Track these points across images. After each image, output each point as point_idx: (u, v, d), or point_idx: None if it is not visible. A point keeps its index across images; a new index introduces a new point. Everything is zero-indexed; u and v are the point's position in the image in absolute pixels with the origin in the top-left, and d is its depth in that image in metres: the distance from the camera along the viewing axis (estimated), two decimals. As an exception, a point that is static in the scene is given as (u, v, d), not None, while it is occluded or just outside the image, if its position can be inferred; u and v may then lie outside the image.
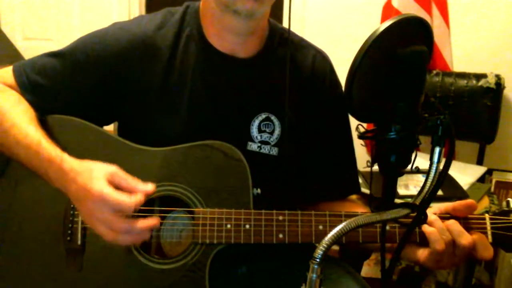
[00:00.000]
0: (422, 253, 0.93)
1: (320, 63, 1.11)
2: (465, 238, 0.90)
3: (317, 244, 0.59)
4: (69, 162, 0.89)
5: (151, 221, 0.87)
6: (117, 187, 0.86)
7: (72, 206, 0.97)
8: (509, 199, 0.96)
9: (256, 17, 0.98)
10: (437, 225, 0.91)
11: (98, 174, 0.86)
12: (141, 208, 0.95)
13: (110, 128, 1.12)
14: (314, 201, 1.14)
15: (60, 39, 2.95)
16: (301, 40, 1.13)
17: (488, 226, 0.93)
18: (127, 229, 0.85)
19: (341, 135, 1.13)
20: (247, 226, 0.94)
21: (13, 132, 0.94)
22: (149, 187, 0.87)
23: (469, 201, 0.95)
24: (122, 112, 1.05)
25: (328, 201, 1.13)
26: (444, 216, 0.93)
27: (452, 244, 0.90)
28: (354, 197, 1.19)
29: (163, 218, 0.99)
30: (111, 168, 0.87)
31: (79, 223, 0.96)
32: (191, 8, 1.07)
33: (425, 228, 0.91)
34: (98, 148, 1.00)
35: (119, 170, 0.87)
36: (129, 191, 0.86)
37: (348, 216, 0.95)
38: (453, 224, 0.91)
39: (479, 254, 0.91)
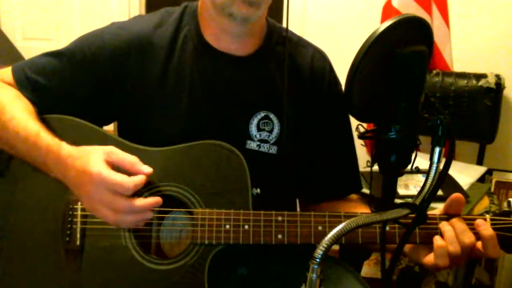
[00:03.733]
0: (427, 260, 0.93)
1: (319, 61, 1.11)
2: (468, 237, 0.89)
3: (317, 245, 0.59)
4: (66, 149, 0.90)
5: (152, 199, 0.87)
6: (116, 167, 0.86)
7: (71, 206, 0.97)
8: (510, 199, 0.96)
9: (251, 21, 0.98)
10: (448, 235, 0.90)
11: (95, 156, 0.86)
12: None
13: (110, 128, 1.12)
14: (315, 200, 1.14)
15: (60, 39, 2.95)
16: (300, 39, 1.13)
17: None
18: (128, 208, 0.84)
19: (342, 133, 1.13)
20: (246, 227, 0.94)
21: (12, 125, 0.94)
22: (147, 169, 0.87)
23: (453, 195, 0.94)
24: (121, 111, 1.05)
25: (330, 200, 1.13)
26: (443, 217, 0.93)
27: (458, 257, 0.89)
28: (355, 197, 1.19)
29: (162, 218, 0.99)
30: (108, 148, 0.87)
31: (78, 223, 0.96)
32: (189, 8, 1.08)
33: (435, 240, 0.90)
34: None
35: (116, 149, 0.87)
36: (127, 170, 0.86)
37: (348, 216, 0.94)
38: (457, 222, 0.90)
39: (487, 252, 0.89)
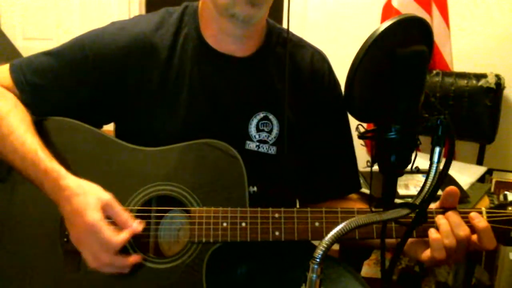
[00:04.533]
0: (424, 255, 0.93)
1: (318, 62, 1.11)
2: (463, 230, 0.89)
3: (316, 243, 0.59)
4: (65, 179, 0.90)
5: (133, 258, 0.91)
6: (110, 217, 0.89)
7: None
8: (506, 192, 0.96)
9: (253, 22, 0.98)
10: (443, 229, 0.90)
11: (92, 201, 0.88)
12: (139, 208, 0.95)
13: (109, 128, 1.12)
14: (315, 200, 1.14)
15: (60, 39, 2.94)
16: (300, 39, 1.13)
17: (485, 220, 0.93)
18: (109, 263, 0.89)
19: (341, 134, 1.13)
20: (243, 224, 0.94)
21: (10, 140, 0.93)
22: (138, 226, 0.91)
23: (448, 189, 0.94)
24: (120, 111, 1.05)
25: (329, 200, 1.13)
26: (438, 210, 0.93)
27: (455, 250, 0.89)
28: (355, 196, 1.19)
29: (160, 217, 0.99)
30: (106, 197, 0.90)
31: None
32: (189, 8, 1.07)
33: (431, 233, 0.91)
34: (95, 149, 1.00)
35: (114, 202, 0.90)
36: (119, 224, 0.89)
37: (344, 212, 0.95)
38: (452, 215, 0.91)
39: (483, 245, 0.90)
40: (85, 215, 0.87)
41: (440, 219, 0.91)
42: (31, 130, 0.96)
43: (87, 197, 0.88)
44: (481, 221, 0.90)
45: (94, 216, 0.87)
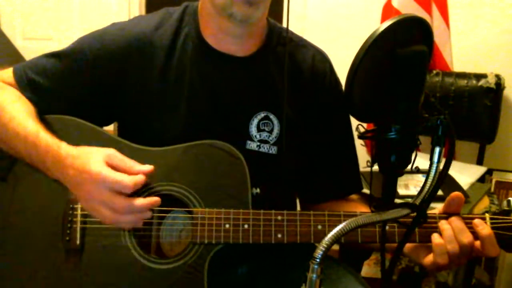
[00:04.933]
0: (427, 260, 0.93)
1: (319, 62, 1.11)
2: (466, 236, 0.89)
3: (317, 244, 0.59)
4: (66, 148, 0.90)
5: (152, 199, 0.87)
6: (115, 168, 0.86)
7: (71, 206, 0.97)
8: (509, 198, 0.96)
9: (251, 21, 0.98)
10: (446, 234, 0.90)
11: (95, 156, 0.87)
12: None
13: (110, 128, 1.12)
14: (315, 200, 1.14)
15: (60, 39, 2.94)
16: (301, 39, 1.13)
17: (489, 226, 0.93)
18: (127, 208, 0.85)
19: (342, 134, 1.13)
20: (246, 226, 0.94)
21: (12, 125, 0.94)
22: (147, 167, 0.88)
23: (452, 194, 0.94)
24: (121, 112, 1.05)
25: (330, 200, 1.13)
26: (442, 216, 0.93)
27: (457, 256, 0.89)
28: (356, 197, 1.18)
29: (162, 218, 0.99)
30: (109, 150, 0.88)
31: (78, 223, 0.96)
32: (189, 8, 1.08)
33: (434, 238, 0.90)
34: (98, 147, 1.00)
35: (117, 152, 0.88)
36: (127, 172, 0.86)
37: (347, 215, 0.95)
38: (455, 220, 0.91)
39: (486, 252, 0.90)
40: (90, 168, 0.85)
41: (443, 225, 0.91)
42: (33, 117, 0.96)
43: (88, 156, 0.87)
44: (484, 228, 0.90)
45: (99, 166, 0.85)
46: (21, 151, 0.94)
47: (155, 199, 0.88)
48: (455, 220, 0.91)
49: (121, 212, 0.85)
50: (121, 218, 0.86)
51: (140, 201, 0.86)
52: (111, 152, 0.88)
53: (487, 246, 0.89)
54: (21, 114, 0.96)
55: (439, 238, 0.90)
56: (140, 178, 0.85)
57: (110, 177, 0.84)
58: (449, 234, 0.90)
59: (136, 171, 0.87)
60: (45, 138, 0.92)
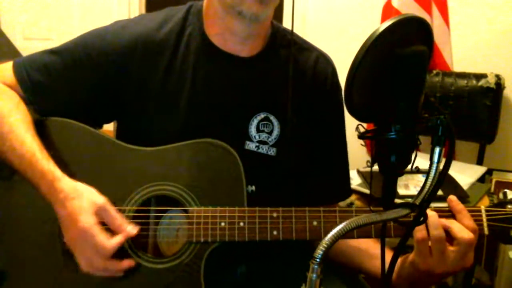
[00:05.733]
0: (411, 256, 0.93)
1: (322, 65, 1.11)
2: (467, 233, 0.89)
3: (312, 240, 0.59)
4: (60, 182, 0.90)
5: (126, 263, 0.91)
6: (104, 221, 0.90)
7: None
8: (505, 190, 0.95)
9: (260, 20, 0.98)
10: (430, 220, 0.89)
11: (86, 205, 0.88)
12: (137, 208, 0.95)
13: (110, 127, 1.12)
14: (306, 204, 1.14)
15: (60, 39, 2.91)
16: (305, 42, 1.13)
17: (484, 218, 0.93)
18: (103, 268, 0.89)
19: (336, 139, 1.13)
20: (241, 224, 0.94)
21: (10, 139, 0.94)
22: (133, 230, 0.91)
23: (448, 199, 0.94)
24: (122, 110, 1.05)
25: (318, 206, 1.12)
26: (445, 215, 0.93)
27: (440, 239, 0.88)
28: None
29: (159, 217, 0.99)
30: (100, 201, 0.90)
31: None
32: (194, 7, 1.07)
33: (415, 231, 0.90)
34: (94, 149, 1.00)
35: (108, 206, 0.90)
36: (114, 230, 0.90)
37: (342, 211, 0.95)
38: (432, 216, 0.90)
39: (459, 233, 0.89)
40: (78, 220, 0.87)
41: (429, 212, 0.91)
42: (31, 131, 0.96)
43: (81, 201, 0.88)
44: (459, 204, 0.92)
45: (88, 220, 0.87)
46: (16, 165, 0.94)
47: (129, 264, 0.92)
48: (431, 216, 0.90)
49: (96, 269, 0.90)
50: (95, 273, 0.91)
51: (114, 266, 0.90)
52: (103, 205, 0.90)
53: (464, 220, 0.90)
54: (20, 128, 0.95)
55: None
56: (121, 240, 0.89)
57: (95, 238, 0.87)
58: (433, 220, 0.89)
59: (121, 232, 0.90)
60: (41, 162, 0.92)
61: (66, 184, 0.90)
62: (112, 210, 0.90)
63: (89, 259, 0.89)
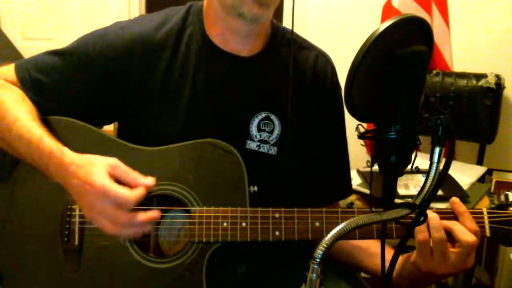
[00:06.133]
0: (412, 257, 0.92)
1: (321, 64, 1.11)
2: (470, 235, 0.88)
3: (314, 241, 0.59)
4: (70, 156, 0.89)
5: (152, 214, 0.87)
6: (118, 180, 0.86)
7: (69, 207, 0.97)
8: (507, 192, 0.95)
9: (261, 21, 0.98)
10: (432, 222, 0.89)
11: (99, 167, 0.86)
12: (140, 207, 0.95)
13: (110, 128, 1.12)
14: (305, 205, 1.14)
15: (60, 39, 2.95)
16: (304, 41, 1.13)
17: (486, 221, 0.92)
18: (129, 222, 0.85)
19: (336, 138, 1.13)
20: (244, 224, 0.94)
21: (16, 127, 0.94)
22: (150, 180, 0.88)
23: (450, 201, 0.94)
24: (123, 111, 1.05)
25: (318, 205, 1.12)
26: (447, 216, 0.93)
27: (441, 241, 0.88)
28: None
29: (161, 217, 0.99)
30: (112, 161, 0.88)
31: (76, 223, 0.96)
32: (194, 8, 1.07)
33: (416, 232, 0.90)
34: (96, 149, 1.00)
35: (120, 163, 0.88)
36: (130, 184, 0.86)
37: (345, 212, 0.95)
38: (433, 218, 0.90)
39: (462, 236, 0.89)
40: (93, 180, 0.84)
41: (430, 214, 0.90)
42: (37, 120, 0.96)
43: (92, 165, 0.86)
44: (461, 206, 0.91)
45: (103, 178, 0.84)
46: (23, 153, 0.94)
47: (156, 214, 0.88)
48: (432, 218, 0.90)
49: (122, 225, 0.85)
50: (122, 231, 0.86)
51: (141, 217, 0.86)
52: (115, 162, 0.88)
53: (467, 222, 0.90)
54: (25, 116, 0.95)
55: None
56: (142, 192, 0.85)
57: (113, 191, 0.84)
58: (434, 222, 0.89)
59: (139, 184, 0.87)
60: (49, 142, 0.91)
61: (76, 157, 0.89)
62: (124, 166, 0.88)
63: (112, 217, 0.84)
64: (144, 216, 0.86)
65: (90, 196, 0.85)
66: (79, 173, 0.87)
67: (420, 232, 0.89)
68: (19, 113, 0.95)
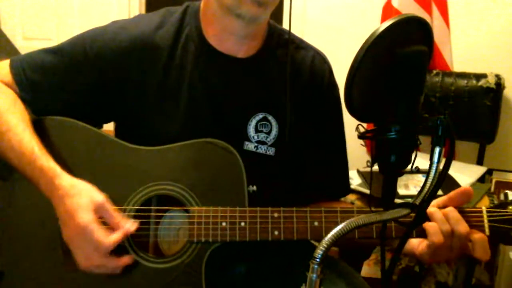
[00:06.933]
0: (419, 245, 0.92)
1: (318, 64, 1.11)
2: (463, 226, 0.88)
3: (316, 243, 0.59)
4: (60, 178, 0.90)
5: (125, 260, 0.91)
6: (103, 219, 0.89)
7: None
8: (507, 191, 0.95)
9: (259, 22, 0.98)
10: (437, 216, 0.89)
11: (85, 203, 0.88)
12: (138, 208, 0.95)
13: (110, 127, 1.12)
14: (306, 202, 1.14)
15: (60, 39, 2.91)
16: (301, 41, 1.13)
17: (485, 219, 0.92)
18: (101, 265, 0.89)
19: (334, 137, 1.13)
20: (242, 224, 0.94)
21: (8, 137, 0.94)
22: (130, 225, 0.91)
23: (462, 188, 0.93)
24: (120, 111, 1.05)
25: (319, 202, 1.13)
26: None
27: (451, 235, 0.88)
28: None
29: (159, 217, 0.99)
30: (99, 198, 0.90)
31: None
32: (191, 8, 1.07)
33: (426, 224, 0.89)
34: (94, 148, 1.00)
35: (106, 202, 0.90)
36: (113, 227, 0.89)
37: (344, 212, 0.95)
38: (452, 211, 0.90)
39: (476, 254, 0.89)
40: (76, 216, 0.87)
41: (431, 209, 0.90)
42: (29, 129, 0.96)
43: (80, 198, 0.88)
44: (478, 233, 0.89)
45: (86, 217, 0.87)
46: (14, 164, 0.94)
47: (129, 260, 0.92)
48: (451, 211, 0.90)
49: (95, 266, 0.89)
50: (93, 270, 0.90)
51: (112, 263, 0.90)
52: (100, 201, 0.89)
53: (477, 246, 0.89)
54: (17, 126, 0.95)
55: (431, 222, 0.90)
56: (119, 237, 0.89)
57: (93, 234, 0.87)
58: (440, 216, 0.89)
59: (119, 228, 0.90)
60: (40, 158, 0.92)
61: (65, 181, 0.90)
62: (110, 207, 0.90)
63: (87, 256, 0.88)
64: (115, 262, 0.90)
65: (71, 229, 0.88)
66: (65, 201, 0.89)
67: (435, 235, 0.88)
68: (11, 122, 0.95)
